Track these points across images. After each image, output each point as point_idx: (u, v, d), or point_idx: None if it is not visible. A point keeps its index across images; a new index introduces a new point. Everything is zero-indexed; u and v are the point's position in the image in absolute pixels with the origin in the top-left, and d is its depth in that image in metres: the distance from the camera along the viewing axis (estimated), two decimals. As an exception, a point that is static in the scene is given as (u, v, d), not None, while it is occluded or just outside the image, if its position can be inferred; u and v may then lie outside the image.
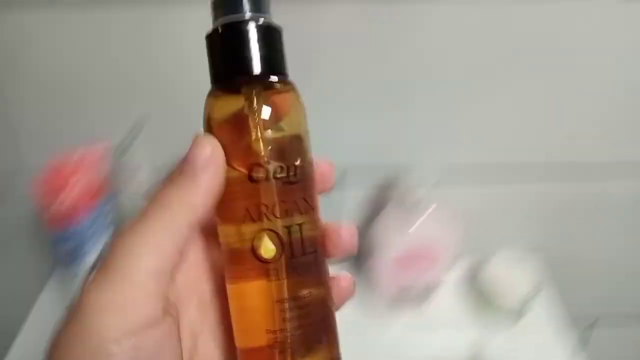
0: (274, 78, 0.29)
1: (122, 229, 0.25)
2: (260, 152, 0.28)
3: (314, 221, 0.30)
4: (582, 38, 0.69)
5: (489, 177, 0.80)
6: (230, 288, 0.29)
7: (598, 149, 0.79)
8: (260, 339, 0.28)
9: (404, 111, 0.73)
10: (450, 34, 0.68)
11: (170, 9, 0.65)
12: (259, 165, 0.28)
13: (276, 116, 0.28)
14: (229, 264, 0.29)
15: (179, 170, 0.27)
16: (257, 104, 0.28)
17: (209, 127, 0.28)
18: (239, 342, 0.29)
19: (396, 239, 0.73)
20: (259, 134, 0.28)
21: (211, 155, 0.27)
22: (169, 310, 0.26)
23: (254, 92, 0.28)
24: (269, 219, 0.28)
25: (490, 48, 0.69)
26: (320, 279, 0.30)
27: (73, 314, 0.23)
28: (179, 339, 0.26)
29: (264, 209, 0.28)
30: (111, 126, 0.71)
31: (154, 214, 0.25)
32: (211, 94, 0.29)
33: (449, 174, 0.76)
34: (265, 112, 0.28)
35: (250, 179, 0.28)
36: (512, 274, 0.79)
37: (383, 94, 0.72)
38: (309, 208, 0.29)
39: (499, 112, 0.74)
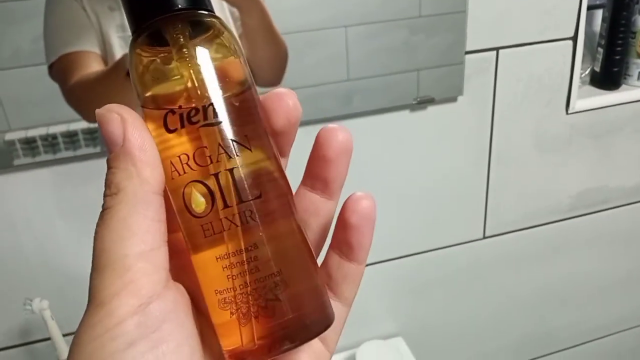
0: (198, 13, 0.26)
1: (96, 229, 0.23)
2: (174, 97, 0.25)
3: (255, 162, 0.26)
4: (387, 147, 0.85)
5: None
6: (192, 260, 0.26)
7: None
8: (215, 305, 0.25)
9: None
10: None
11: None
12: (172, 112, 0.25)
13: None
14: (183, 233, 0.26)
15: (112, 157, 0.24)
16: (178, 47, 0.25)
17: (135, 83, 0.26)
18: (211, 319, 0.26)
19: None
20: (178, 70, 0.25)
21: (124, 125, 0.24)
22: (170, 284, 0.24)
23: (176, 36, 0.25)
24: (192, 169, 0.25)
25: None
26: (274, 220, 0.26)
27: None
28: (188, 311, 0.25)
29: (184, 158, 0.25)
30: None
31: (111, 204, 0.24)
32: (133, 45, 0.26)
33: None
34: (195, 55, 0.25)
35: (167, 129, 0.25)
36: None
37: None
38: (244, 149, 0.26)
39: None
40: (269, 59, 0.76)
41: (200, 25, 0.26)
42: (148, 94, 0.26)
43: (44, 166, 0.72)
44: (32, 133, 0.69)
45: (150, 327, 0.22)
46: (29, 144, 0.70)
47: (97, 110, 0.24)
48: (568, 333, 1.18)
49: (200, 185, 0.25)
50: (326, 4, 0.75)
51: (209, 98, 0.25)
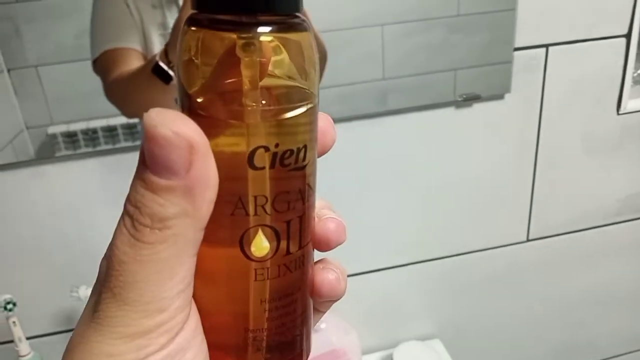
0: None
1: (122, 256, 0.21)
2: (266, 133, 0.22)
3: (314, 204, 0.25)
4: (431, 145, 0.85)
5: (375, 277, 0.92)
6: (204, 281, 0.24)
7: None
8: (237, 337, 0.24)
9: None
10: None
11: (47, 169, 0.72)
12: (265, 149, 0.22)
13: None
14: (210, 258, 0.23)
15: (165, 187, 0.20)
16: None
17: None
18: (209, 337, 0.24)
19: None
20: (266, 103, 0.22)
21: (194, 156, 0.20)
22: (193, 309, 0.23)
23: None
24: (267, 213, 0.23)
25: (364, 163, 0.83)
26: (307, 271, 0.26)
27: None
28: (201, 329, 0.24)
29: (261, 200, 0.22)
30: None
31: (152, 240, 0.21)
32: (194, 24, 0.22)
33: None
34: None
35: (251, 165, 0.22)
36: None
37: None
38: (312, 193, 0.24)
39: (370, 215, 0.87)
40: None
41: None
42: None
43: (85, 157, 0.73)
44: (73, 127, 0.70)
45: (175, 358, 0.22)
46: (70, 137, 0.70)
47: (159, 129, 0.19)
48: (609, 342, 1.14)
49: (269, 230, 0.23)
50: (363, 2, 0.74)
51: (302, 139, 0.23)
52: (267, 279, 0.24)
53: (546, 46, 0.84)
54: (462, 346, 1.01)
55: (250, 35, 0.21)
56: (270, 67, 0.22)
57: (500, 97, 0.85)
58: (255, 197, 0.22)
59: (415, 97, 0.81)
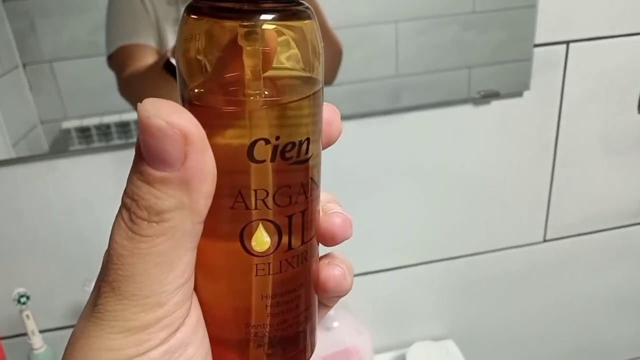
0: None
1: (120, 250, 0.21)
2: (267, 125, 0.21)
3: (318, 198, 0.24)
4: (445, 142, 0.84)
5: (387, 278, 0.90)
6: (205, 275, 0.23)
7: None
8: (239, 332, 0.24)
9: None
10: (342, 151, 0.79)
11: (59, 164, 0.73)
12: (265, 141, 0.21)
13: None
14: (210, 252, 0.23)
15: (161, 179, 0.20)
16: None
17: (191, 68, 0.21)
18: (211, 331, 0.24)
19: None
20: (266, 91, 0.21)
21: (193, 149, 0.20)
22: (194, 303, 0.23)
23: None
24: (267, 207, 0.22)
25: (365, 158, 0.82)
26: (310, 267, 0.25)
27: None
28: (203, 324, 0.24)
29: (261, 194, 0.22)
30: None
31: (149, 233, 0.20)
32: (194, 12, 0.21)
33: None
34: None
35: (251, 158, 0.21)
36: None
37: None
38: (315, 187, 0.23)
39: (381, 214, 0.86)
40: (325, 58, 0.75)
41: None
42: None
43: (99, 152, 0.73)
44: (87, 122, 0.70)
45: (176, 352, 0.22)
46: (84, 132, 0.70)
47: (152, 119, 0.19)
48: (625, 345, 1.12)
49: (270, 225, 0.23)
50: (377, -1, 0.74)
51: (305, 131, 0.22)
52: (269, 274, 0.23)
53: (567, 43, 0.82)
54: (476, 347, 1.00)
55: (253, 23, 0.20)
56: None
57: (518, 94, 0.83)
58: (256, 191, 0.22)
59: (429, 95, 0.80)
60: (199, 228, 0.21)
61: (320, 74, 0.23)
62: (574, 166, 0.91)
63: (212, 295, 0.24)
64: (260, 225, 0.22)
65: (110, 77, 0.69)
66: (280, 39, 0.21)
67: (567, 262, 0.99)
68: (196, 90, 0.21)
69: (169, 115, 0.19)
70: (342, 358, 0.80)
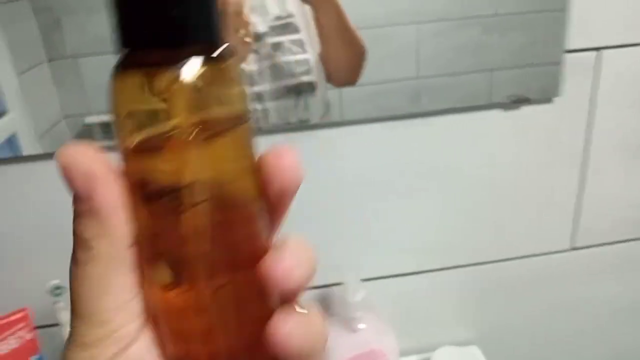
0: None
1: (70, 280, 0.23)
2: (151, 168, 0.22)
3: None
4: (473, 147, 0.83)
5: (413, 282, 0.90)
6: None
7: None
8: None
9: (318, 229, 0.80)
10: (363, 154, 0.80)
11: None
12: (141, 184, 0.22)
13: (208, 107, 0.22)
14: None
15: (78, 211, 0.22)
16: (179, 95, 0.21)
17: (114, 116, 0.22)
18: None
19: (342, 345, 0.79)
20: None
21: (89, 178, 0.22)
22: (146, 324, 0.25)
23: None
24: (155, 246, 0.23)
25: (398, 164, 0.82)
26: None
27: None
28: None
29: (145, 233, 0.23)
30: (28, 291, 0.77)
31: (83, 259, 0.23)
32: (119, 69, 0.22)
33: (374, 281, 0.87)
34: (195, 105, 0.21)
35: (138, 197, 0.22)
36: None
37: (295, 216, 0.80)
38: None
39: (407, 217, 0.85)
40: (345, 59, 0.75)
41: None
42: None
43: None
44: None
45: None
46: (106, 128, 0.71)
47: (58, 156, 0.22)
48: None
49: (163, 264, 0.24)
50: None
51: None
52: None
53: (599, 49, 0.80)
54: (500, 354, 0.98)
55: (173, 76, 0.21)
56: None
57: (548, 100, 0.82)
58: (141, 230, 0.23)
59: (449, 97, 0.79)
60: (129, 252, 0.23)
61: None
62: (604, 173, 0.89)
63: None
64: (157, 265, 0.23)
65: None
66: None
67: (595, 270, 0.97)
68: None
69: (74, 157, 0.22)
70: (367, 359, 0.80)
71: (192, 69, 0.21)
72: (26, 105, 0.70)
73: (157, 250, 0.23)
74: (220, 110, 0.23)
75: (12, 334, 0.73)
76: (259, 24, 0.72)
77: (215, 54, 0.22)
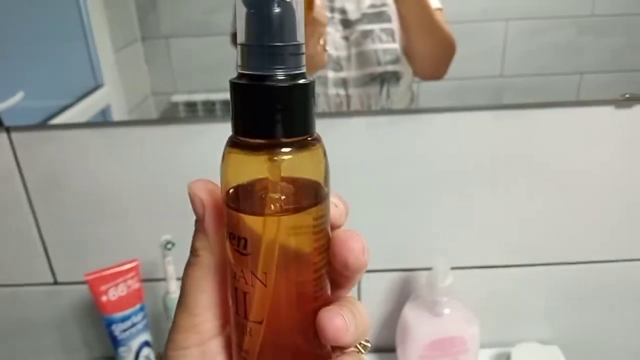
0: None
1: (184, 271, 0.30)
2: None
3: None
4: (576, 143, 0.80)
5: (498, 272, 0.88)
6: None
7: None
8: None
9: (409, 214, 0.83)
10: (445, 141, 0.78)
11: (208, 128, 0.75)
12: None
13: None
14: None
15: (196, 226, 0.30)
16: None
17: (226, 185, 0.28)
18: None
19: (425, 327, 0.80)
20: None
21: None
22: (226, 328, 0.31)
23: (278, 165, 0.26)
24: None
25: (491, 152, 0.79)
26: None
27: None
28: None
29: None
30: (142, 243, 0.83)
31: (193, 261, 0.30)
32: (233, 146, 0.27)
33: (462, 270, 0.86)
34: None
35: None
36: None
37: (387, 200, 0.82)
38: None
39: (501, 210, 0.84)
40: (429, 52, 0.75)
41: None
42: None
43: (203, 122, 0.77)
44: (194, 97, 0.74)
45: (207, 356, 0.30)
46: (191, 107, 0.75)
47: (188, 187, 0.29)
48: None
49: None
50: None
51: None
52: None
53: None
54: (581, 357, 0.95)
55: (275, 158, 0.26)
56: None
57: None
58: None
59: (532, 99, 0.77)
60: (223, 268, 0.29)
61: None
62: None
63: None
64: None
65: (219, 56, 0.72)
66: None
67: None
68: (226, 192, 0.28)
69: (196, 189, 0.29)
70: (448, 345, 0.80)
71: (286, 153, 0.26)
72: (120, 81, 0.75)
73: (231, 276, 0.29)
74: (303, 188, 0.28)
75: (124, 281, 0.80)
76: (353, 12, 0.72)
77: (306, 143, 0.27)
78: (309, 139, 0.27)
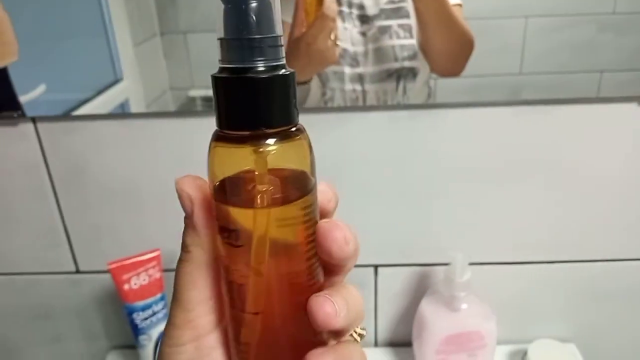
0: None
1: (176, 268, 0.31)
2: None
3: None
4: (596, 140, 0.78)
5: (514, 269, 0.88)
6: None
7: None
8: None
9: (426, 210, 0.83)
10: (463, 136, 0.77)
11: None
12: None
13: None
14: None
15: (185, 221, 0.30)
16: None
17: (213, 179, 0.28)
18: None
19: (442, 322, 0.80)
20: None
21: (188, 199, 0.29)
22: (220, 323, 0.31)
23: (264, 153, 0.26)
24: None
25: (503, 148, 0.78)
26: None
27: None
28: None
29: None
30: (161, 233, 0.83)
31: (184, 257, 0.30)
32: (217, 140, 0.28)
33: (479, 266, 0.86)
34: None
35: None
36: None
37: (404, 195, 0.82)
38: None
39: (519, 206, 0.83)
40: (446, 48, 0.74)
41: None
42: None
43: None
44: (211, 92, 0.75)
45: (203, 351, 0.30)
46: (208, 102, 0.75)
47: (175, 183, 0.29)
48: None
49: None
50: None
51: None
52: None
53: None
54: (598, 356, 0.94)
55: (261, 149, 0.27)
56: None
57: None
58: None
59: (551, 96, 0.75)
60: (210, 261, 0.30)
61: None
62: None
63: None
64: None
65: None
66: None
67: None
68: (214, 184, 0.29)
69: (184, 185, 0.29)
70: (465, 340, 0.80)
71: (271, 144, 0.27)
72: (139, 75, 0.76)
73: (224, 270, 0.29)
74: (290, 179, 0.28)
75: (145, 270, 0.82)
76: (371, 7, 0.72)
77: (289, 133, 0.27)
78: (292, 129, 0.27)
